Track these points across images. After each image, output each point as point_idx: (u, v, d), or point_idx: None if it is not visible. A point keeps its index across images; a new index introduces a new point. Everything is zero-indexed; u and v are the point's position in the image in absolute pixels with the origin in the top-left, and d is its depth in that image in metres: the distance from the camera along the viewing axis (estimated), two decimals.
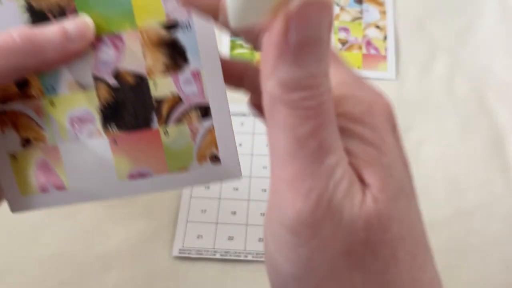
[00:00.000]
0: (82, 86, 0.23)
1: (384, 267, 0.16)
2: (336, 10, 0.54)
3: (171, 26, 0.23)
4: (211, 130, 0.24)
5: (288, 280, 0.16)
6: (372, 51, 0.51)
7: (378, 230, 0.15)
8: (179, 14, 0.22)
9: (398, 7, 0.55)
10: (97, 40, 0.23)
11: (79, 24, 0.22)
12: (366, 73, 0.50)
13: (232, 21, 0.14)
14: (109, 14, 0.22)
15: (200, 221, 0.41)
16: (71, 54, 0.22)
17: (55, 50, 0.22)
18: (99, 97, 0.23)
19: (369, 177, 0.16)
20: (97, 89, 0.23)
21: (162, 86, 0.23)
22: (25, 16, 0.23)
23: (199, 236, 0.40)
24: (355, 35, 0.52)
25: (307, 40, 0.14)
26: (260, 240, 0.40)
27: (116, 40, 0.23)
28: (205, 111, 0.23)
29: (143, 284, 0.38)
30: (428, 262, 0.18)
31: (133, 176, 0.24)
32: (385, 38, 0.52)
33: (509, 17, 0.53)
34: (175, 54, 0.23)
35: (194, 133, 0.24)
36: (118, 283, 0.38)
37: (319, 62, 0.15)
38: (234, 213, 0.41)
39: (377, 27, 0.53)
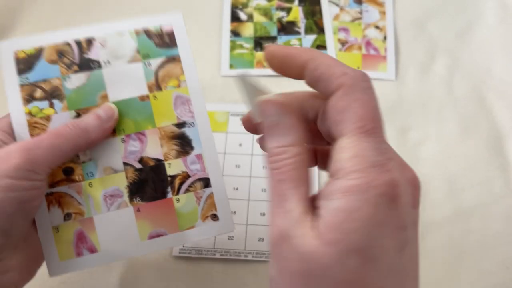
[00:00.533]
0: (114, 171, 0.30)
1: None
2: (336, 10, 0.54)
3: (181, 125, 0.31)
4: (211, 196, 0.31)
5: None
6: (372, 52, 0.51)
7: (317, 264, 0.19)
8: (186, 117, 0.31)
9: (398, 8, 0.55)
10: (127, 137, 0.31)
11: (107, 109, 0.30)
12: None
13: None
14: (137, 119, 0.31)
15: None
16: (107, 131, 0.30)
17: (95, 130, 0.29)
18: (127, 177, 0.30)
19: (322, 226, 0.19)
20: (126, 171, 0.30)
21: (174, 166, 0.31)
22: None
23: None
24: (354, 36, 0.52)
25: (268, 124, 0.22)
26: (260, 239, 0.40)
27: (141, 136, 0.31)
28: (206, 182, 0.31)
29: (143, 283, 0.38)
30: None
31: (152, 236, 0.30)
32: (384, 38, 0.52)
33: (508, 17, 0.53)
34: (184, 144, 0.31)
35: (198, 199, 0.31)
36: (119, 283, 0.38)
37: (281, 137, 0.21)
38: (234, 212, 0.41)
39: (377, 27, 0.53)
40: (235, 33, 0.53)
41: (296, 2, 0.55)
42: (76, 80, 0.31)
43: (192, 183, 0.31)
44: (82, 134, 0.28)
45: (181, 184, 0.31)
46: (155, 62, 0.31)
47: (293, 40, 0.52)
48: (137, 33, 0.32)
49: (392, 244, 0.19)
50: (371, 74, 0.50)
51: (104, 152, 0.30)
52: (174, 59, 0.32)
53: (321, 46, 0.52)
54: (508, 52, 0.51)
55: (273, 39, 0.52)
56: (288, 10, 0.54)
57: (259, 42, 0.52)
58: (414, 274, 0.21)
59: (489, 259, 0.40)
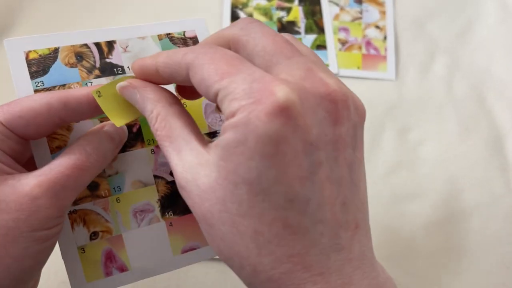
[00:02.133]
0: (144, 184, 0.28)
1: None
2: (336, 10, 0.54)
3: (212, 134, 0.29)
4: None
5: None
6: (372, 51, 0.51)
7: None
8: (217, 126, 0.30)
9: (398, 8, 0.55)
10: (157, 148, 0.28)
11: (120, 131, 0.27)
12: (366, 73, 0.50)
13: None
14: None
15: None
16: (115, 155, 0.27)
17: (111, 156, 0.26)
18: (158, 190, 0.28)
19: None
20: (157, 184, 0.28)
21: None
22: None
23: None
24: (355, 35, 0.52)
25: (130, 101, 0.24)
26: None
27: None
28: None
29: (143, 284, 0.38)
30: None
31: (185, 251, 0.29)
32: (384, 38, 0.52)
33: (508, 17, 0.53)
34: None
35: None
36: None
37: (142, 108, 0.23)
38: None
39: (377, 27, 0.53)
40: None
41: (296, 2, 0.55)
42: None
43: None
44: (101, 162, 0.25)
45: None
46: None
47: None
48: (160, 38, 0.30)
49: (293, 172, 0.18)
50: (371, 74, 0.50)
51: (132, 165, 0.28)
52: None
53: (321, 46, 0.52)
54: (508, 52, 0.51)
55: None
56: (288, 10, 0.54)
57: None
58: (332, 207, 0.19)
59: (489, 259, 0.40)
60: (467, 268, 0.40)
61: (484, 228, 0.41)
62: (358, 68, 0.50)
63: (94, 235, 0.28)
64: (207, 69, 0.20)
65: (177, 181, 0.21)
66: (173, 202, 0.29)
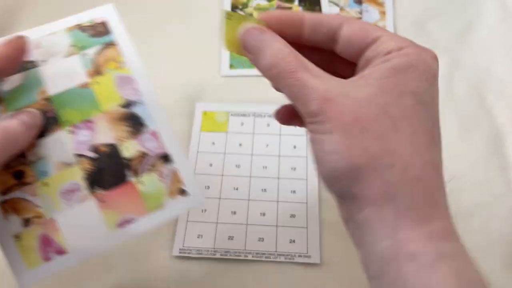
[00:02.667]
0: (68, 164, 0.29)
1: None
2: (336, 10, 0.54)
3: (128, 104, 0.31)
4: (174, 171, 0.30)
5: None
6: None
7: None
8: (132, 96, 0.31)
9: (398, 7, 0.55)
10: (74, 127, 0.30)
11: (31, 115, 0.29)
12: None
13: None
14: (81, 108, 0.30)
15: (200, 221, 0.41)
16: (31, 139, 0.28)
17: (23, 139, 0.27)
18: (82, 169, 0.29)
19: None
20: (79, 163, 0.29)
21: (130, 148, 0.30)
22: None
23: (199, 236, 0.40)
24: None
25: (253, 49, 0.25)
26: (260, 239, 0.40)
27: (89, 123, 0.30)
28: (166, 158, 0.30)
29: (143, 284, 0.38)
30: None
31: (121, 225, 0.29)
32: None
33: (508, 17, 0.54)
34: (135, 123, 0.30)
35: (162, 176, 0.30)
36: (119, 283, 0.38)
37: (269, 48, 0.24)
38: (234, 212, 0.41)
39: None
40: None
41: (296, 2, 0.55)
42: (11, 82, 0.30)
43: (152, 161, 0.30)
44: (9, 144, 0.26)
45: (140, 164, 0.30)
46: (92, 51, 0.31)
47: None
48: (70, 29, 0.32)
49: (436, 101, 0.23)
50: None
51: (53, 148, 0.29)
52: (111, 44, 0.32)
53: None
54: (508, 52, 0.51)
55: None
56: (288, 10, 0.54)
57: None
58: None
59: (489, 258, 0.40)
60: None
61: (484, 227, 0.41)
62: None
63: (27, 222, 0.28)
64: (364, 23, 0.25)
65: (321, 97, 0.22)
66: (99, 177, 0.29)
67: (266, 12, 0.25)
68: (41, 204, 0.28)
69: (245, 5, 0.55)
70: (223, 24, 0.26)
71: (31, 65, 0.30)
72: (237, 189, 0.42)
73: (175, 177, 0.30)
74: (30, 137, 0.28)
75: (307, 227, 0.40)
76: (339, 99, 0.22)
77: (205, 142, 0.45)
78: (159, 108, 0.31)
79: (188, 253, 0.39)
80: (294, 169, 0.43)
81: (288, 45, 0.24)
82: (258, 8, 0.54)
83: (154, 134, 0.30)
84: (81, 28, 0.32)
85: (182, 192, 0.30)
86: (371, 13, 0.54)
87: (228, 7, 0.55)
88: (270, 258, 0.39)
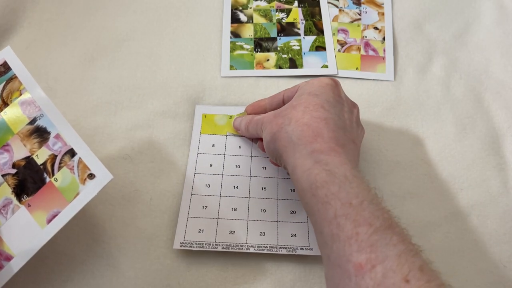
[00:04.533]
0: None
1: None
2: (335, 11, 0.55)
3: (32, 121, 0.36)
4: (80, 161, 0.35)
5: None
6: (371, 52, 0.52)
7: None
8: (35, 112, 0.36)
9: (396, 9, 0.55)
10: None
11: None
12: (364, 74, 0.50)
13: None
14: None
15: (201, 216, 0.41)
16: None
17: None
18: (9, 184, 0.35)
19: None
20: (6, 181, 0.35)
21: (42, 155, 0.36)
22: None
23: (200, 230, 0.40)
24: (353, 37, 0.53)
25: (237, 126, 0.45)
26: (261, 233, 0.40)
27: (6, 147, 0.36)
28: (72, 152, 0.35)
29: (145, 278, 0.39)
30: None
31: (49, 220, 0.34)
32: (383, 39, 0.53)
33: (505, 18, 0.54)
34: (41, 133, 0.36)
35: (71, 169, 0.35)
36: (121, 280, 0.39)
37: (241, 123, 0.44)
38: (234, 209, 0.41)
39: (376, 28, 0.53)
40: (235, 34, 0.53)
41: (296, 4, 0.55)
42: None
43: (61, 159, 0.35)
44: None
45: (52, 165, 0.35)
46: None
47: (293, 41, 0.52)
48: None
49: (331, 98, 0.36)
50: (370, 75, 0.51)
51: None
52: (12, 78, 0.37)
53: (320, 47, 0.52)
54: (505, 53, 0.52)
55: (273, 40, 0.53)
56: (288, 12, 0.55)
57: (259, 43, 0.52)
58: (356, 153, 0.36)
59: (486, 257, 0.40)
60: (465, 266, 0.40)
61: (482, 227, 0.42)
62: (357, 69, 0.51)
63: None
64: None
65: (263, 118, 0.39)
66: (23, 187, 0.35)
67: (247, 107, 0.45)
68: None
69: (245, 7, 0.55)
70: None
71: None
72: (237, 187, 0.43)
73: (82, 165, 0.35)
74: None
75: (307, 222, 0.41)
76: (272, 112, 0.39)
77: (205, 144, 0.45)
78: (57, 113, 0.36)
79: (189, 246, 0.39)
80: None
81: (246, 116, 0.44)
82: (258, 10, 0.55)
83: (58, 137, 0.36)
84: None
85: (91, 176, 0.35)
86: (370, 14, 0.54)
87: (228, 9, 0.55)
88: (272, 251, 0.39)
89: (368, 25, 0.54)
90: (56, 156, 0.35)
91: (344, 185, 0.29)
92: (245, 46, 0.52)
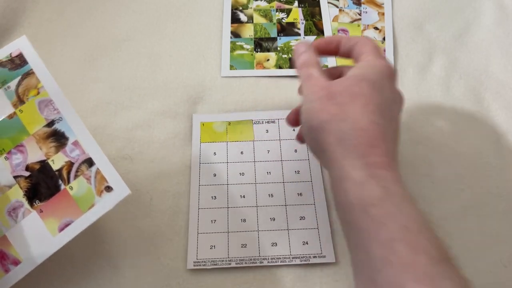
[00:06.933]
0: (9, 186, 0.33)
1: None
2: (335, 11, 0.55)
3: (50, 123, 0.35)
4: (98, 171, 0.34)
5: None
6: None
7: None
8: (53, 115, 0.35)
9: (396, 9, 0.55)
10: (8, 154, 0.34)
11: None
12: None
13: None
14: (12, 136, 0.34)
15: (211, 231, 0.40)
16: None
17: None
18: (21, 187, 0.34)
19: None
20: (18, 183, 0.34)
21: (58, 160, 0.34)
22: None
23: (212, 247, 0.39)
24: None
25: (297, 56, 0.36)
26: (273, 244, 0.40)
27: (21, 147, 0.34)
28: (90, 162, 0.34)
29: (145, 278, 0.39)
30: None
31: (62, 228, 0.33)
32: (383, 39, 0.53)
33: (505, 18, 0.54)
34: (58, 138, 0.34)
35: (88, 179, 0.34)
36: (121, 280, 0.38)
37: (303, 55, 0.36)
38: (244, 220, 0.41)
39: (376, 28, 0.53)
40: (235, 34, 0.53)
41: (296, 4, 0.55)
42: None
43: (78, 167, 0.34)
44: None
45: (68, 173, 0.34)
46: (13, 83, 0.35)
47: (293, 41, 0.52)
48: None
49: (389, 95, 0.32)
50: None
51: None
52: (29, 73, 0.35)
53: None
54: (505, 53, 0.52)
55: (273, 40, 0.53)
56: (288, 12, 0.55)
57: (259, 43, 0.52)
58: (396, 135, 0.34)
59: (486, 257, 0.40)
60: (464, 266, 0.40)
61: (482, 227, 0.42)
62: None
63: None
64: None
65: (316, 84, 0.33)
66: (36, 191, 0.34)
67: (318, 40, 0.37)
68: None
69: (245, 7, 0.55)
70: None
71: None
72: (244, 196, 0.42)
73: (99, 177, 0.34)
74: None
75: (318, 228, 0.40)
76: (325, 86, 0.32)
77: (207, 153, 0.45)
78: (77, 119, 0.35)
79: (203, 265, 0.39)
80: (298, 172, 0.44)
81: (315, 56, 0.35)
82: (258, 10, 0.55)
83: (76, 144, 0.34)
84: (0, 64, 0.35)
85: (108, 188, 0.34)
86: (370, 14, 0.54)
87: (228, 9, 0.55)
88: (285, 262, 0.39)
89: (368, 25, 0.54)
90: (73, 163, 0.34)
91: (401, 206, 0.27)
92: (245, 46, 0.52)
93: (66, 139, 0.34)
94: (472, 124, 0.47)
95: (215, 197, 0.42)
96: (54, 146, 0.34)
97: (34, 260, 0.32)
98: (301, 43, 0.36)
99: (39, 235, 0.33)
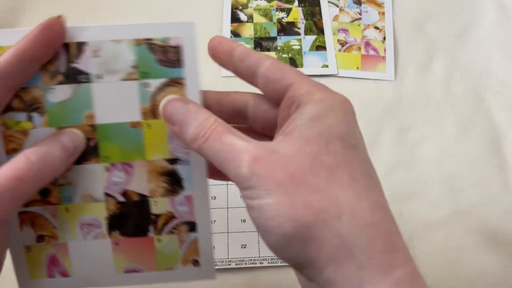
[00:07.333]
0: (94, 200, 0.28)
1: None
2: (336, 11, 0.55)
3: (173, 161, 0.28)
4: (195, 241, 0.29)
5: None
6: (371, 52, 0.52)
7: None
8: (180, 153, 0.28)
9: (397, 8, 0.55)
10: (112, 166, 0.27)
11: (75, 138, 0.26)
12: (365, 73, 0.50)
13: None
14: (125, 148, 0.27)
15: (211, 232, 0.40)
16: (70, 164, 0.27)
17: (61, 165, 0.25)
18: (107, 209, 0.28)
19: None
20: (106, 202, 0.28)
21: (160, 205, 0.28)
22: None
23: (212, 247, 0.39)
24: (354, 36, 0.53)
25: (180, 115, 0.24)
26: None
27: (127, 167, 0.28)
28: (192, 227, 0.29)
29: None
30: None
31: (128, 271, 0.29)
32: (384, 39, 0.52)
33: (506, 18, 0.54)
34: (174, 182, 0.28)
35: (181, 242, 0.29)
36: None
37: (196, 119, 0.24)
38: (243, 220, 0.41)
39: (376, 28, 0.53)
40: (235, 34, 0.53)
41: (296, 3, 0.55)
42: (60, 93, 0.26)
43: (177, 225, 0.28)
44: (48, 172, 0.24)
45: (165, 224, 0.29)
46: (155, 83, 0.26)
47: (293, 40, 0.52)
48: (138, 43, 0.26)
49: (362, 143, 0.23)
50: (370, 74, 0.50)
51: (84, 178, 0.28)
52: (178, 82, 0.27)
53: (321, 47, 0.52)
54: (506, 53, 0.52)
55: (273, 39, 0.53)
56: (288, 11, 0.55)
57: (259, 43, 0.52)
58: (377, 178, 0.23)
59: (486, 258, 0.40)
60: (465, 266, 0.40)
61: (482, 227, 0.42)
62: (358, 68, 0.51)
63: (40, 238, 0.28)
64: (282, 64, 0.25)
65: (251, 157, 0.21)
66: (121, 222, 0.28)
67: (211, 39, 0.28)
68: (58, 226, 0.28)
69: (245, 6, 0.55)
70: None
71: (84, 78, 0.26)
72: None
73: (193, 247, 0.29)
74: (69, 163, 0.26)
75: None
76: (269, 157, 0.21)
77: None
78: (203, 173, 0.28)
79: None
80: None
81: (212, 114, 0.24)
82: (258, 9, 0.55)
83: (189, 199, 0.28)
84: (151, 45, 0.26)
85: (196, 262, 0.29)
86: (370, 14, 0.54)
87: (228, 8, 0.55)
88: (285, 263, 0.39)
89: (368, 24, 0.54)
90: (174, 218, 0.28)
91: None
92: (245, 45, 0.52)
93: (181, 188, 0.28)
94: (472, 124, 0.47)
95: (215, 197, 0.42)
96: (164, 188, 0.28)
97: (83, 281, 0.29)
98: (169, 101, 0.25)
99: (102, 264, 0.29)
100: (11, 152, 0.26)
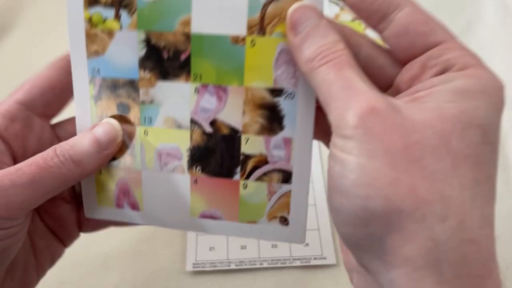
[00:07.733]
0: (178, 125, 0.24)
1: None
2: (336, 9, 0.54)
3: (276, 91, 0.23)
4: (287, 195, 0.24)
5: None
6: None
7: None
8: (286, 83, 0.23)
9: None
10: (203, 88, 0.23)
11: (108, 129, 0.24)
12: None
13: None
14: (221, 67, 0.23)
15: None
16: (105, 160, 0.24)
17: (91, 162, 0.23)
18: (191, 138, 0.24)
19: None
20: (191, 131, 0.24)
21: (252, 144, 0.24)
22: (142, 49, 0.24)
23: (211, 248, 0.39)
24: None
25: (308, 27, 0.20)
26: (273, 246, 0.39)
27: (221, 91, 0.23)
28: (286, 176, 0.24)
29: (143, 280, 0.38)
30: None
31: (205, 216, 0.25)
32: None
33: (508, 17, 0.54)
34: (273, 118, 0.23)
35: (271, 193, 0.24)
36: (120, 281, 0.38)
37: (323, 37, 0.19)
38: None
39: None
40: None
41: None
42: None
43: (269, 171, 0.24)
44: (74, 168, 0.22)
45: (254, 168, 0.24)
46: None
47: None
48: None
49: (499, 139, 0.19)
50: None
51: (170, 98, 0.23)
52: None
53: None
54: (508, 52, 0.51)
55: None
56: None
57: None
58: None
59: None
60: None
61: None
62: None
63: (113, 159, 0.25)
64: (429, 16, 0.21)
65: (367, 105, 0.17)
66: (204, 157, 0.24)
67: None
68: (134, 151, 0.25)
69: None
70: None
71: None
72: None
73: (284, 201, 0.24)
74: (103, 157, 0.24)
75: (318, 229, 0.40)
76: (389, 114, 0.17)
77: None
78: (310, 112, 0.23)
79: (203, 267, 0.38)
80: None
81: (343, 40, 0.20)
82: None
83: (288, 142, 0.23)
84: None
85: (284, 220, 0.25)
86: None
87: None
88: (286, 264, 0.38)
89: None
90: (267, 162, 0.24)
91: None
92: None
93: (281, 127, 0.23)
94: None
95: None
96: (260, 124, 0.23)
97: (153, 219, 0.26)
98: (303, 7, 0.20)
99: (177, 203, 0.25)
100: (93, 55, 0.24)
